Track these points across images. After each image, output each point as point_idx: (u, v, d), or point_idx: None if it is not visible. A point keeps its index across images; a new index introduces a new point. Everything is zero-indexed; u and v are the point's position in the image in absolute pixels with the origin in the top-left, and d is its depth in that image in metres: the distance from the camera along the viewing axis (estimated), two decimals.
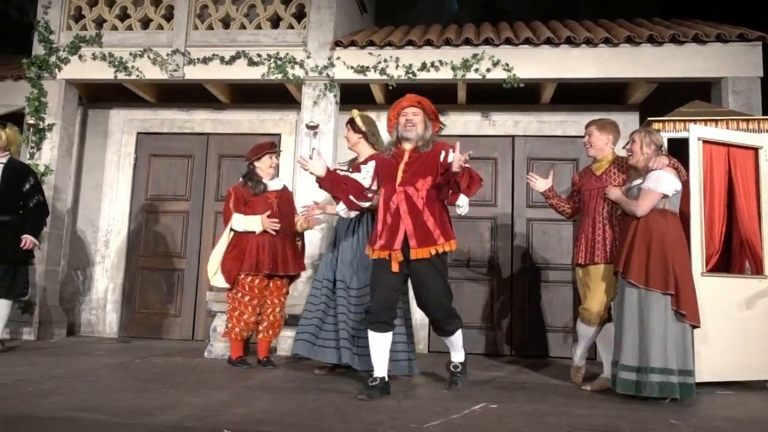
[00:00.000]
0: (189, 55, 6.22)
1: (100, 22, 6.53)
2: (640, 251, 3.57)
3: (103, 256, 6.89)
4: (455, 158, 3.27)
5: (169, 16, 6.41)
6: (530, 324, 6.29)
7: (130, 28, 6.45)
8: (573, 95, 6.31)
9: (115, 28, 6.46)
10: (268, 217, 4.47)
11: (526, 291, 6.37)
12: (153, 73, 6.26)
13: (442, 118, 3.85)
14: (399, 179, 3.54)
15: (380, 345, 3.48)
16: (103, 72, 6.33)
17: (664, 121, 4.49)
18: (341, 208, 3.72)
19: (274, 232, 4.48)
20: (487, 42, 5.93)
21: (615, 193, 3.84)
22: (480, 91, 6.32)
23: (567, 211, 4.36)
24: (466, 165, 3.28)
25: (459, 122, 6.57)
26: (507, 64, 5.87)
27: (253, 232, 4.48)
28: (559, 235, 6.38)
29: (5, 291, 4.91)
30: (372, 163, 3.74)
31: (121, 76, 6.29)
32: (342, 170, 3.57)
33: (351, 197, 3.63)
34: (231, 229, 4.54)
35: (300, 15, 6.29)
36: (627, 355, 3.53)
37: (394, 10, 10.12)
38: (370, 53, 6.03)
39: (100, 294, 6.83)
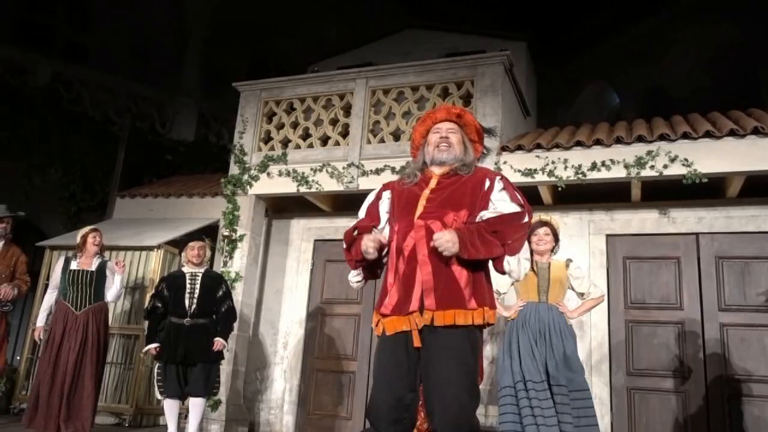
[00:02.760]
0: (362, 167, 6.66)
1: (285, 143, 7.26)
2: None
3: (282, 358, 7.26)
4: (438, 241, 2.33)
5: (345, 133, 6.97)
6: None
7: (311, 146, 7.09)
8: (765, 187, 5.78)
9: (298, 146, 7.14)
10: None
11: (724, 406, 5.65)
12: (330, 185, 6.76)
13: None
14: (420, 210, 2.50)
15: None
16: (287, 186, 6.95)
17: None
18: (353, 276, 2.80)
19: None
20: (662, 138, 5.71)
21: None
22: (656, 188, 6.02)
23: None
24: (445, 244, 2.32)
25: (634, 220, 6.27)
26: (686, 159, 5.58)
27: None
28: (762, 342, 5.67)
29: (201, 389, 5.31)
30: (387, 193, 2.71)
31: (302, 189, 6.86)
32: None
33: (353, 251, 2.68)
34: None
35: None
36: None
37: (555, 110, 10.17)
38: (537, 156, 6.05)
39: (278, 394, 7.14)
